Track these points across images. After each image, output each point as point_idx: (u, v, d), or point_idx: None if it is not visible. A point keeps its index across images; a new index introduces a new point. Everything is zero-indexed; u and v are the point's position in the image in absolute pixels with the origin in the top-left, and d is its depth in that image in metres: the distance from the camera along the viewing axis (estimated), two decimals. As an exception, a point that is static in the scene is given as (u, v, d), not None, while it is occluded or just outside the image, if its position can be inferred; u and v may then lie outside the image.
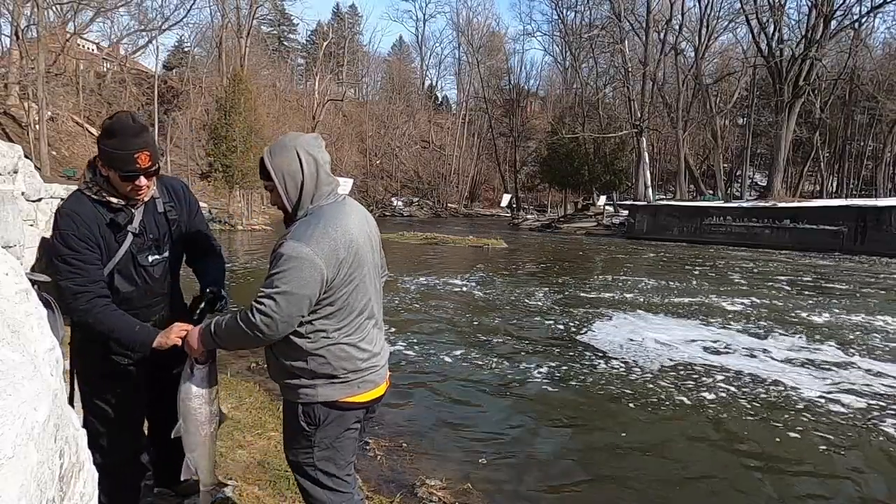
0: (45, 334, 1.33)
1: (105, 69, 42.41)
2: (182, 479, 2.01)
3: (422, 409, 4.77)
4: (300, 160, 1.80)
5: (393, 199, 55.66)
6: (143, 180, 1.97)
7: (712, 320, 8.47)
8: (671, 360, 6.26)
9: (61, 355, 1.42)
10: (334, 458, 1.91)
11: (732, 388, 5.34)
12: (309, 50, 67.87)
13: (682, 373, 5.79)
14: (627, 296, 10.60)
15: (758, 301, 10.23)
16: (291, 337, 1.79)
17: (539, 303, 9.77)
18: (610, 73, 43.99)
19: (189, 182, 34.06)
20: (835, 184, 44.28)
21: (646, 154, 35.75)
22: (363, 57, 67.92)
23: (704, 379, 5.60)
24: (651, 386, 5.39)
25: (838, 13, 29.71)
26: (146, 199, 2.07)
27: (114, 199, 1.99)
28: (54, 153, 31.01)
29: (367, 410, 1.96)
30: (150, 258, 2.10)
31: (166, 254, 2.16)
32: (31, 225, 6.68)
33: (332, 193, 1.86)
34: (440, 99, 76.28)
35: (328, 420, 1.85)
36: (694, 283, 12.67)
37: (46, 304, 2.14)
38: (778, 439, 4.27)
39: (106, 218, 1.98)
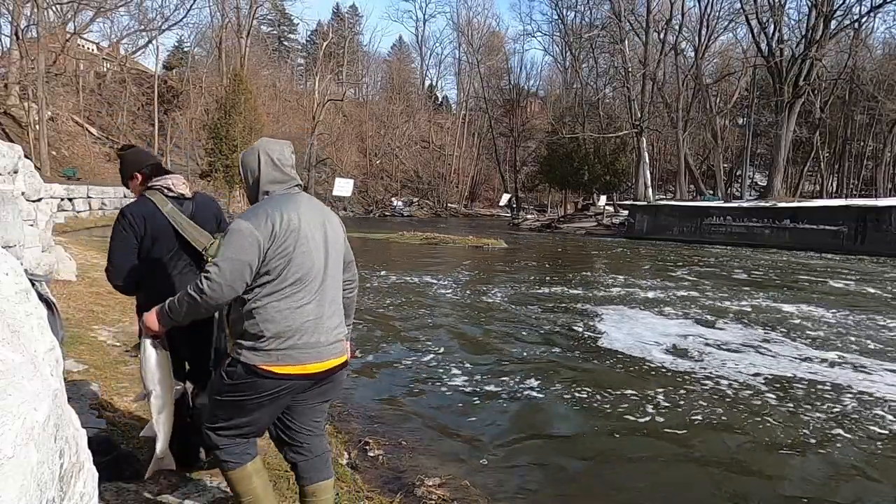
0: (45, 334, 1.33)
1: (105, 69, 42.38)
2: (141, 435, 2.28)
3: (422, 409, 4.77)
4: (259, 159, 2.15)
5: (393, 199, 55.59)
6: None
7: (711, 318, 8.47)
8: (671, 356, 6.27)
9: (61, 355, 1.42)
10: (233, 415, 2.10)
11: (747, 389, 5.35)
12: (309, 50, 67.89)
13: (680, 368, 5.80)
14: (626, 294, 10.60)
15: (764, 300, 10.25)
16: (234, 303, 2.07)
17: (539, 302, 9.76)
18: (610, 73, 43.97)
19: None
20: (835, 184, 44.29)
21: (646, 154, 35.74)
22: (363, 57, 67.89)
23: (705, 374, 5.61)
24: (652, 383, 5.39)
25: (838, 13, 29.73)
26: None
27: None
28: (54, 153, 31.00)
29: (288, 389, 2.08)
30: None
31: None
32: (31, 225, 6.67)
33: (286, 188, 2.17)
34: (440, 99, 76.27)
35: (243, 380, 2.04)
36: (691, 282, 12.68)
37: (46, 305, 2.15)
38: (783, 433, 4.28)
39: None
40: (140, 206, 2.58)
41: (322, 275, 2.13)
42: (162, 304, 2.11)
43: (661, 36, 35.79)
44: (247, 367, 2.02)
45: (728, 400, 5.07)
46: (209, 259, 2.45)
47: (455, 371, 5.76)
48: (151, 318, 2.14)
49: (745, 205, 27.24)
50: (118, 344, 5.01)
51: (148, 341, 2.17)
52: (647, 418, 4.61)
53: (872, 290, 12.09)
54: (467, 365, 5.97)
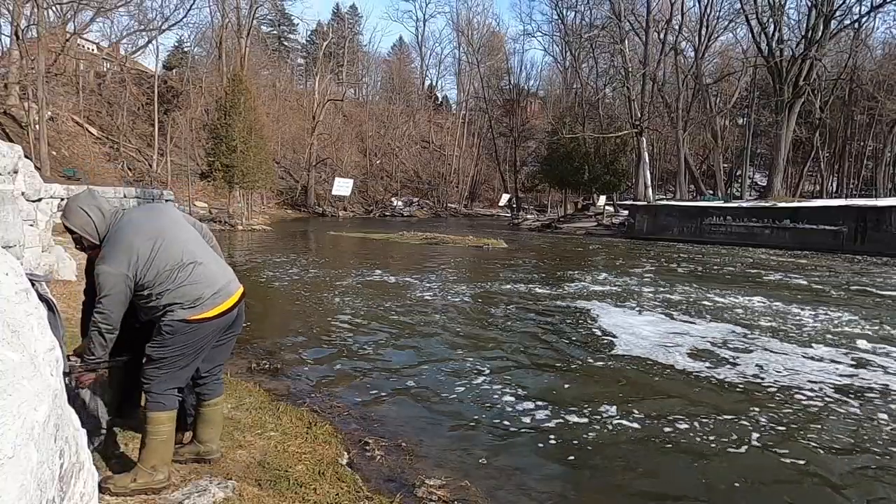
0: (45, 334, 1.33)
1: (105, 69, 42.38)
2: None
3: (421, 409, 4.76)
4: (87, 213, 2.64)
5: (393, 199, 55.55)
6: None
7: (716, 318, 8.47)
8: (669, 352, 6.27)
9: (61, 355, 1.41)
10: (176, 360, 2.68)
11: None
12: (309, 50, 67.88)
13: (675, 363, 5.80)
14: (626, 294, 10.59)
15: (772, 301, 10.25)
16: (142, 304, 2.65)
17: (542, 301, 9.76)
18: (610, 73, 43.92)
19: (189, 182, 34.16)
20: (835, 184, 44.27)
21: (646, 154, 35.71)
22: (363, 57, 67.89)
23: (703, 374, 5.61)
24: (654, 382, 5.39)
25: (838, 13, 29.71)
26: None
27: None
28: (54, 153, 30.97)
29: (216, 327, 2.73)
30: None
31: None
32: (31, 225, 6.67)
33: (115, 217, 2.69)
34: (440, 99, 76.30)
35: (183, 332, 2.65)
36: (691, 282, 12.68)
37: (46, 305, 2.16)
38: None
39: None
40: None
41: (190, 246, 2.72)
42: (84, 352, 2.71)
43: (661, 36, 35.76)
44: (184, 321, 2.63)
45: (760, 402, 5.07)
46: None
47: (456, 372, 5.76)
48: (82, 374, 2.72)
49: (745, 205, 27.22)
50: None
51: (84, 391, 2.72)
52: (650, 421, 4.61)
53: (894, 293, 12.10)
54: (469, 366, 5.96)
